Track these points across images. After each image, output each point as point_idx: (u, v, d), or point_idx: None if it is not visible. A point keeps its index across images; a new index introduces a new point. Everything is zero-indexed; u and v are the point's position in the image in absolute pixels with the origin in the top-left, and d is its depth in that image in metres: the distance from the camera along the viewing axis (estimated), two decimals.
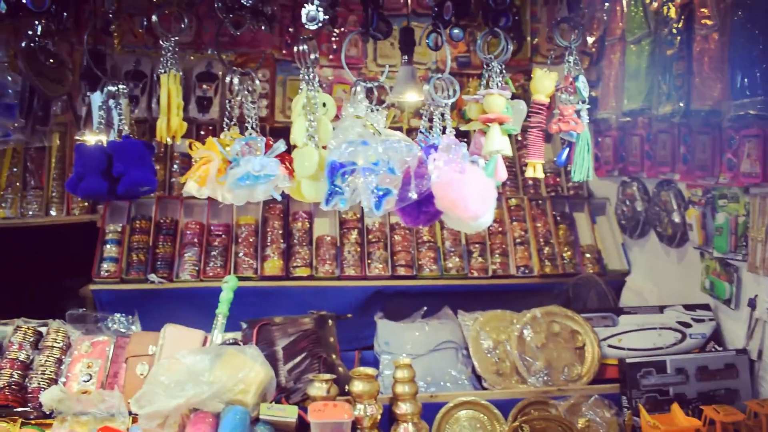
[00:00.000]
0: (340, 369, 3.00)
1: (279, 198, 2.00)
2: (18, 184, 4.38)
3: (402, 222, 2.19)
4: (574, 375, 3.29)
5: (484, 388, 3.20)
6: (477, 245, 4.22)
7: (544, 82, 2.09)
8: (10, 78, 2.28)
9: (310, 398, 2.77)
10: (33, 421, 2.82)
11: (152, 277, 3.85)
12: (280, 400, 2.83)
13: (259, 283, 3.92)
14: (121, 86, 2.20)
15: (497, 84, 1.98)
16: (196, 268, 3.94)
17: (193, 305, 3.70)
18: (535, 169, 2.09)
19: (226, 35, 3.86)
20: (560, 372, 3.29)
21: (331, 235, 4.16)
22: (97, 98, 2.20)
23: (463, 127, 2.09)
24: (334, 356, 3.06)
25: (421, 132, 2.02)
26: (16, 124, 2.41)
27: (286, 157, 2.04)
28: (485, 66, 2.02)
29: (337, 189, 1.72)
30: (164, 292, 3.85)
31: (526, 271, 4.21)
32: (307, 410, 2.63)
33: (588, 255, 4.35)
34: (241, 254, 4.01)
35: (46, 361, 3.04)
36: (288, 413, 2.71)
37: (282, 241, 4.07)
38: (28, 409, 2.86)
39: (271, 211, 4.19)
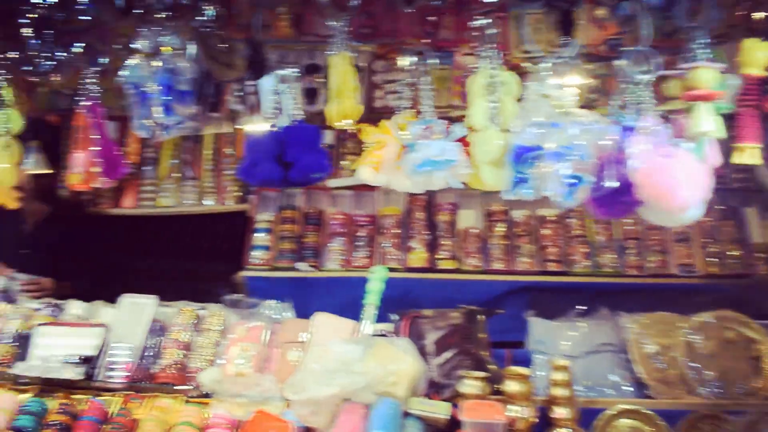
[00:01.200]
0: (491, 366, 2.88)
1: (461, 186, 1.89)
2: (177, 174, 4.62)
3: (593, 213, 2.01)
4: (752, 388, 2.96)
5: (647, 397, 2.96)
6: (633, 241, 3.92)
7: (755, 53, 1.84)
8: (184, 65, 2.36)
9: (461, 395, 2.67)
10: (194, 400, 2.93)
11: (300, 265, 3.92)
12: (429, 396, 2.76)
13: (404, 274, 3.87)
14: (291, 70, 2.20)
15: (703, 57, 1.76)
16: (343, 258, 3.96)
17: (339, 294, 3.72)
18: (747, 154, 1.84)
19: (366, 27, 3.82)
20: (734, 384, 2.98)
21: (476, 227, 4.04)
22: (267, 83, 2.21)
23: (665, 106, 1.89)
24: (484, 353, 2.94)
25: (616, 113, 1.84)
26: (190, 111, 2.51)
27: (463, 142, 1.94)
28: (686, 35, 1.80)
29: (522, 176, 1.60)
30: (312, 280, 3.91)
31: (689, 271, 3.86)
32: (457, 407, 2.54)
33: (761, 254, 3.92)
34: (386, 245, 3.98)
35: (206, 342, 3.15)
36: (440, 409, 2.63)
37: (426, 232, 3.99)
38: (189, 387, 2.98)
39: (415, 202, 4.13)
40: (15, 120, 2.74)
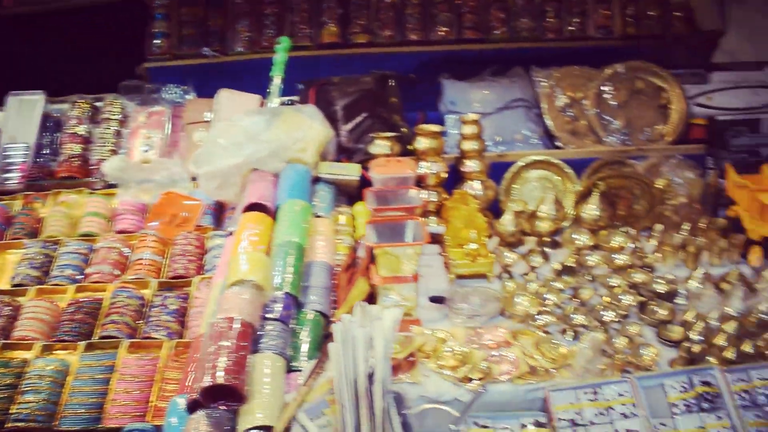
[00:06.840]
0: (403, 129, 2.85)
1: None
2: None
3: None
4: (656, 135, 3.05)
5: (556, 148, 3.01)
6: (552, 3, 3.73)
7: None
8: None
9: (372, 157, 2.64)
10: (100, 192, 2.84)
11: (206, 51, 3.65)
12: (340, 161, 2.74)
13: (315, 51, 3.66)
14: None
15: None
16: (249, 40, 3.69)
17: (248, 79, 3.51)
18: None
19: None
20: (640, 132, 3.06)
21: None
22: None
23: None
24: (396, 117, 2.89)
25: None
26: None
27: None
28: None
29: None
30: (218, 66, 3.66)
31: (606, 32, 3.76)
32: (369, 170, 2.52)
33: (677, 13, 3.82)
34: (296, 21, 3.69)
35: (105, 133, 3.01)
36: (350, 171, 2.62)
37: (339, 7, 3.71)
38: (93, 179, 2.89)
39: None
40: None
